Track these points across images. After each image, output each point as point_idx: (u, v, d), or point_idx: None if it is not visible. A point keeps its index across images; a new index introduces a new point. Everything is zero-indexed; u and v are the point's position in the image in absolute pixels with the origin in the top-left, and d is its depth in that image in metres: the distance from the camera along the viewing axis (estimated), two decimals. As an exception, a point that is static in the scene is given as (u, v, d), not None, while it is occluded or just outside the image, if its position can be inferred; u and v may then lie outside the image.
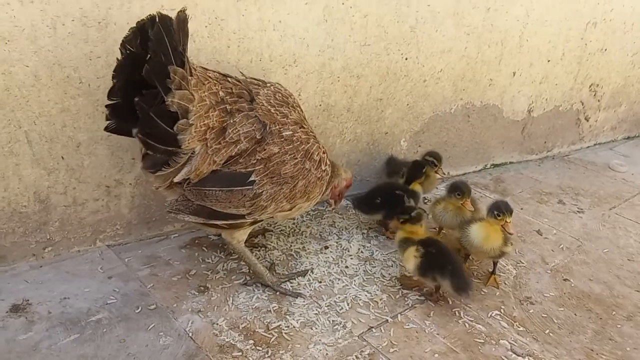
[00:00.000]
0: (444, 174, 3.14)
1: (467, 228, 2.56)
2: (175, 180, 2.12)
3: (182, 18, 1.90)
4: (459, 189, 2.75)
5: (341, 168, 2.64)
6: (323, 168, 2.36)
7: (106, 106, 2.00)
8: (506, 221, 2.49)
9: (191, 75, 1.96)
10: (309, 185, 2.32)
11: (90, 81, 2.28)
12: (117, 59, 1.97)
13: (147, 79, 1.87)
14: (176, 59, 1.88)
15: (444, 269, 2.37)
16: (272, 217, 2.39)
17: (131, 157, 2.49)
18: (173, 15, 1.89)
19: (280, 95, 2.33)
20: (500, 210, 2.49)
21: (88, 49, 2.22)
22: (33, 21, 2.09)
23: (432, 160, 3.09)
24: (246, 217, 2.26)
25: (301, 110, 2.43)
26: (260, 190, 2.20)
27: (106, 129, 2.05)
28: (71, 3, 2.12)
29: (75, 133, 2.34)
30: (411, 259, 2.43)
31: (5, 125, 2.19)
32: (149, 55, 1.85)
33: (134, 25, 1.92)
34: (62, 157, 2.36)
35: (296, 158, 2.25)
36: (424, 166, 3.04)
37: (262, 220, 2.40)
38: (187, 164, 2.09)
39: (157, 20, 1.84)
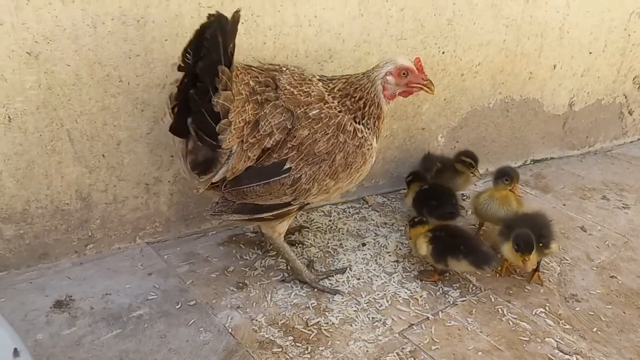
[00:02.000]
0: (480, 175, 3.05)
1: (502, 243, 2.51)
2: (214, 180, 2.13)
3: (236, 19, 1.92)
4: (506, 174, 2.70)
5: (374, 70, 2.26)
6: (359, 135, 2.22)
7: (172, 108, 2.05)
8: (525, 259, 2.39)
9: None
10: (348, 157, 2.21)
11: (130, 79, 2.31)
12: (179, 65, 2.01)
13: (200, 75, 1.89)
14: (225, 59, 1.90)
15: (457, 250, 2.38)
16: (324, 199, 2.34)
17: (170, 154, 2.50)
18: (211, 12, 1.91)
19: (297, 74, 2.27)
20: (519, 247, 2.38)
21: (127, 47, 2.25)
22: (74, 20, 2.12)
23: (469, 161, 3.00)
24: (292, 203, 2.23)
25: (318, 79, 2.29)
26: (299, 175, 2.16)
27: (170, 129, 2.06)
28: (111, 2, 2.15)
29: (115, 131, 2.37)
30: (423, 246, 2.44)
31: (48, 123, 2.23)
32: (203, 53, 1.87)
33: (196, 27, 1.94)
34: (103, 155, 2.39)
35: (328, 134, 2.17)
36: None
37: (308, 204, 2.34)
38: (226, 164, 2.10)
39: (216, 20, 1.86)
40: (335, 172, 2.21)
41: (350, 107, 2.22)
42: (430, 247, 2.43)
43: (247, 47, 2.50)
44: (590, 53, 3.73)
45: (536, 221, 2.56)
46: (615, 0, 3.63)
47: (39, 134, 2.23)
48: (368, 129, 2.24)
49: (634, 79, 4.12)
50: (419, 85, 2.26)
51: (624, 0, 3.67)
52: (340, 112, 2.22)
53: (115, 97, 2.31)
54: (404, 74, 2.23)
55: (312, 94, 2.21)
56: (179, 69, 2.02)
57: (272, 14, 2.50)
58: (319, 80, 2.29)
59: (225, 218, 2.26)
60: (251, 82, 2.11)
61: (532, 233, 2.40)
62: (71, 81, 2.20)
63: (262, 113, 2.11)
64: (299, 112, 2.16)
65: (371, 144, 2.26)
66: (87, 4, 2.12)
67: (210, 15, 1.90)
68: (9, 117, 2.15)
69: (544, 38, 3.44)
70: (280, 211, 2.26)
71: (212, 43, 1.86)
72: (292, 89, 2.19)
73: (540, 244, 2.43)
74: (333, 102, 2.23)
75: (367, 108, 2.23)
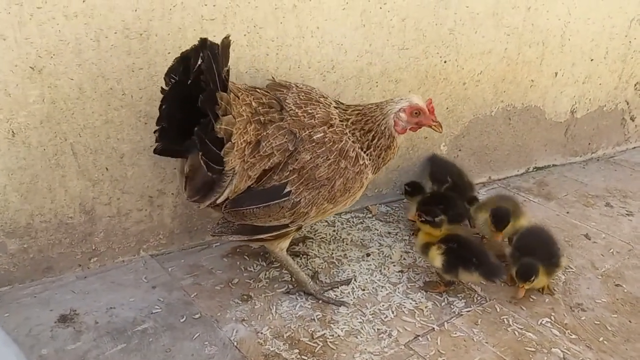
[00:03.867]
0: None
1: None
2: (219, 201, 2.14)
3: (226, 44, 1.93)
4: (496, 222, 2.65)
5: (388, 103, 2.31)
6: (361, 162, 2.26)
7: (155, 132, 2.05)
8: (519, 286, 2.45)
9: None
10: (347, 182, 2.25)
11: (133, 92, 2.31)
12: (162, 88, 2.02)
13: (202, 109, 1.91)
14: (221, 85, 1.91)
15: (469, 262, 2.38)
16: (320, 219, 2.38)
17: (173, 167, 2.50)
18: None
19: (303, 93, 2.29)
20: (518, 275, 2.44)
21: (130, 60, 2.25)
22: (77, 35, 2.12)
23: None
24: (290, 225, 2.25)
25: (325, 98, 2.33)
26: (298, 199, 2.18)
27: (155, 151, 2.08)
28: (114, 16, 2.15)
29: (119, 144, 2.37)
30: (437, 258, 2.43)
31: (51, 137, 2.23)
32: (194, 82, 1.89)
33: (178, 55, 1.99)
34: (107, 169, 2.39)
35: (329, 159, 2.20)
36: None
37: (307, 224, 2.38)
38: (230, 185, 2.11)
39: (207, 47, 1.86)
40: (334, 197, 2.25)
41: (360, 138, 2.27)
42: (444, 259, 2.42)
43: (250, 59, 2.50)
44: (592, 60, 3.73)
45: (542, 237, 2.58)
46: (616, 7, 3.63)
47: (43, 148, 2.23)
48: (369, 160, 2.29)
49: (635, 85, 4.12)
50: (427, 125, 2.35)
51: (625, 7, 3.68)
52: (344, 135, 2.25)
53: (119, 111, 2.31)
54: (415, 113, 2.30)
55: (317, 115, 2.23)
56: (162, 91, 2.03)
57: (275, 26, 2.50)
58: (335, 107, 2.32)
59: (225, 239, 2.30)
60: (254, 104, 2.12)
61: (543, 253, 2.48)
62: (75, 95, 2.21)
63: (265, 134, 2.13)
64: (303, 134, 2.18)
65: (367, 174, 2.30)
66: (90, 18, 2.12)
67: (199, 41, 1.90)
68: (12, 131, 2.15)
69: (545, 46, 3.44)
70: (279, 232, 2.28)
71: (208, 74, 1.86)
72: (297, 110, 2.21)
73: (552, 264, 2.50)
74: (340, 127, 2.26)
75: (374, 140, 2.28)
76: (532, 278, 2.40)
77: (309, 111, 2.23)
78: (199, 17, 2.31)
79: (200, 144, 1.96)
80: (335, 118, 2.27)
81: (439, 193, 3.00)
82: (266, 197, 2.16)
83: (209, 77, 1.87)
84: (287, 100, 2.23)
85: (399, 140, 2.33)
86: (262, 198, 2.16)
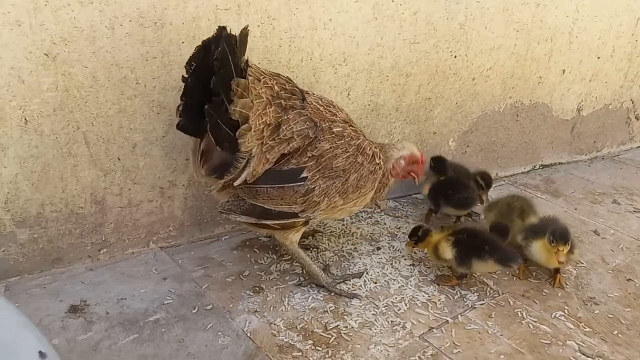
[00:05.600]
0: (487, 200, 3.01)
1: (530, 243, 2.51)
2: (236, 184, 2.13)
3: (245, 34, 1.96)
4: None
5: (392, 148, 2.51)
6: (377, 162, 2.35)
7: (178, 107, 2.05)
8: (559, 250, 2.39)
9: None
10: (361, 180, 2.29)
11: (147, 82, 2.29)
12: (184, 76, 2.02)
13: (214, 90, 1.92)
14: (238, 72, 1.93)
15: (482, 251, 2.39)
16: (326, 218, 2.37)
17: (185, 158, 2.49)
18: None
19: (325, 100, 2.36)
20: (555, 237, 2.40)
21: (145, 49, 2.23)
22: (92, 22, 2.11)
23: (481, 184, 2.98)
24: (299, 215, 2.24)
25: (347, 113, 2.42)
26: (313, 186, 2.18)
27: (177, 126, 2.08)
28: (129, 4, 2.14)
29: (131, 134, 2.35)
30: (447, 251, 2.43)
31: (64, 126, 2.21)
32: (214, 69, 1.90)
33: (200, 43, 1.99)
34: (119, 159, 2.37)
35: (348, 152, 2.25)
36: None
37: (312, 220, 2.37)
38: (247, 167, 2.10)
39: (222, 39, 1.89)
40: (346, 191, 2.27)
41: None
42: (454, 251, 2.41)
43: (263, 50, 2.49)
44: (599, 58, 3.74)
45: (553, 221, 2.58)
46: (624, 6, 3.65)
47: (55, 137, 2.21)
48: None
49: (641, 84, 4.13)
50: (416, 175, 2.56)
51: (632, 5, 3.69)
52: (361, 135, 2.33)
53: (132, 100, 2.30)
54: (413, 162, 2.51)
55: (339, 115, 2.32)
56: (183, 80, 2.03)
57: (288, 18, 2.49)
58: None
59: (233, 218, 2.25)
60: (276, 87, 2.12)
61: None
62: (88, 83, 2.19)
63: (285, 118, 2.13)
64: (324, 125, 2.21)
65: (379, 178, 2.40)
66: (105, 6, 2.11)
67: (218, 30, 1.93)
68: (25, 119, 2.13)
69: (554, 43, 3.44)
70: (287, 222, 2.27)
71: (223, 62, 1.89)
72: (318, 106, 2.26)
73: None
74: (357, 127, 2.37)
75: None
76: (570, 240, 2.39)
77: (331, 110, 2.30)
78: (214, 6, 2.30)
79: (210, 121, 1.96)
80: (355, 123, 2.37)
81: (451, 178, 2.97)
82: (282, 178, 2.16)
83: (223, 64, 1.89)
84: (309, 99, 2.26)
85: (391, 181, 2.51)
86: (278, 179, 2.15)
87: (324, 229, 2.89)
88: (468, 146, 3.43)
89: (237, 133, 2.00)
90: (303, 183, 2.17)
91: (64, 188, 2.30)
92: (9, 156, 2.15)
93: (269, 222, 2.27)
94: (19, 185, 2.21)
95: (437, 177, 2.99)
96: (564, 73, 3.62)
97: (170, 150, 2.46)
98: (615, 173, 3.97)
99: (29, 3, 1.98)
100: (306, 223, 2.36)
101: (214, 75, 1.90)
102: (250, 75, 1.99)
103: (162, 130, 2.40)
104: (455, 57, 3.09)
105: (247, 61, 1.97)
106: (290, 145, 2.14)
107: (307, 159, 2.16)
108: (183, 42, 2.29)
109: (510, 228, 2.57)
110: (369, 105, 2.93)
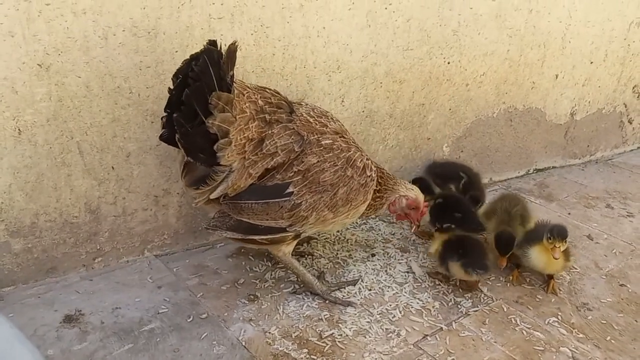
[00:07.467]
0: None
1: (527, 250, 2.53)
2: (212, 197, 2.13)
3: (233, 49, 1.96)
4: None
5: (402, 184, 2.51)
6: (368, 174, 2.30)
7: (162, 118, 2.05)
8: (555, 246, 2.42)
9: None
10: (351, 193, 2.26)
11: (140, 91, 2.29)
12: (169, 88, 2.02)
13: (185, 101, 1.91)
14: (223, 86, 1.93)
15: (455, 254, 2.43)
16: (318, 230, 2.37)
17: (179, 166, 2.48)
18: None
19: (318, 110, 2.34)
20: (553, 234, 2.44)
21: (138, 58, 2.24)
22: (85, 32, 2.11)
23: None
24: (287, 229, 2.23)
25: (341, 124, 2.40)
26: (299, 201, 2.17)
27: (161, 137, 2.08)
28: (122, 13, 2.14)
29: (125, 143, 2.35)
30: (434, 245, 2.59)
31: (58, 136, 2.21)
32: (188, 80, 1.91)
33: (193, 52, 1.98)
34: (113, 167, 2.37)
35: (336, 165, 2.22)
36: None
37: (303, 233, 2.34)
38: (225, 181, 2.10)
39: (204, 53, 1.89)
40: (335, 205, 2.24)
41: None
42: (440, 250, 2.51)
43: (256, 58, 2.50)
44: (592, 63, 3.76)
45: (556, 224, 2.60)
46: (616, 11, 3.67)
47: (49, 147, 2.21)
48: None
49: (633, 88, 4.16)
50: (412, 220, 2.58)
51: (624, 10, 3.71)
52: (352, 146, 2.29)
53: (126, 109, 2.30)
54: (413, 207, 2.52)
55: (329, 126, 2.29)
56: (169, 91, 2.02)
57: (282, 25, 2.50)
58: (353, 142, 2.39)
59: (219, 234, 2.25)
60: (260, 102, 2.12)
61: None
62: (82, 93, 2.19)
63: (269, 132, 2.12)
64: (311, 138, 2.19)
65: (373, 188, 2.37)
66: (98, 15, 2.11)
67: (206, 43, 1.94)
68: (19, 129, 2.13)
69: (547, 48, 3.46)
70: (275, 236, 2.26)
71: (201, 74, 1.88)
72: (308, 118, 2.24)
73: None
74: (349, 138, 2.35)
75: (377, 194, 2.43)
76: (567, 237, 2.43)
77: (322, 121, 2.28)
78: (207, 15, 2.31)
79: (179, 130, 1.95)
80: (348, 133, 2.36)
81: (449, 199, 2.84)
82: (266, 194, 2.14)
83: (200, 76, 1.88)
84: (299, 110, 2.25)
85: (382, 210, 2.51)
86: (262, 194, 2.14)
87: (319, 235, 2.89)
88: (462, 151, 3.45)
89: (215, 146, 1.99)
90: (288, 198, 2.15)
91: (57, 197, 2.30)
92: (2, 166, 2.15)
93: (257, 237, 2.25)
94: (13, 195, 2.21)
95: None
96: (557, 78, 3.64)
97: (164, 158, 2.46)
98: (609, 177, 3.99)
99: (21, 13, 1.98)
100: (297, 236, 2.34)
101: (187, 87, 1.90)
102: (234, 89, 1.99)
103: (155, 139, 2.38)
104: (449, 63, 3.11)
105: (232, 76, 1.96)
106: (274, 159, 2.14)
107: (292, 173, 2.15)
108: (176, 51, 2.30)
109: (515, 237, 2.57)
110: (363, 111, 2.94)
